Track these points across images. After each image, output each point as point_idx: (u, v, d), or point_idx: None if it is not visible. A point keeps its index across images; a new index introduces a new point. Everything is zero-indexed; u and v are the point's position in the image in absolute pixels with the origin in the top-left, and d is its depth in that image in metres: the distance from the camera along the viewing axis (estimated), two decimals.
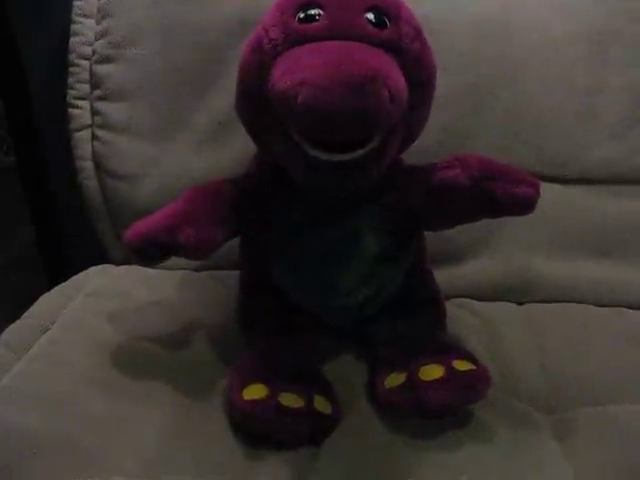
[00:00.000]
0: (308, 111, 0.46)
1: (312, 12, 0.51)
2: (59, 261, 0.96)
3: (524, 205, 0.56)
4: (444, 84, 0.73)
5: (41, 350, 0.61)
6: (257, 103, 0.54)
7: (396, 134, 0.54)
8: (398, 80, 0.49)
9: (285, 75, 0.48)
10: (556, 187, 0.77)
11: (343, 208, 0.58)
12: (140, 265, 0.74)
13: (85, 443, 0.52)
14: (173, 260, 0.79)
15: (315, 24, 0.51)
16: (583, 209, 0.77)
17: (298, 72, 0.47)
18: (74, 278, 0.75)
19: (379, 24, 0.51)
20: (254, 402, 0.53)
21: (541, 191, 0.56)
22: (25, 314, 0.66)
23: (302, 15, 0.51)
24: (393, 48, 0.51)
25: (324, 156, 0.50)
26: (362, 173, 0.54)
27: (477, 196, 0.56)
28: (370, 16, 0.51)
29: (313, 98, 0.46)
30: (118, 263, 0.80)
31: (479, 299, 0.75)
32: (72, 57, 0.78)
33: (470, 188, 0.56)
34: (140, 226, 0.56)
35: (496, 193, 0.56)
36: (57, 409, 0.55)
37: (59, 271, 0.87)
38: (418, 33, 0.54)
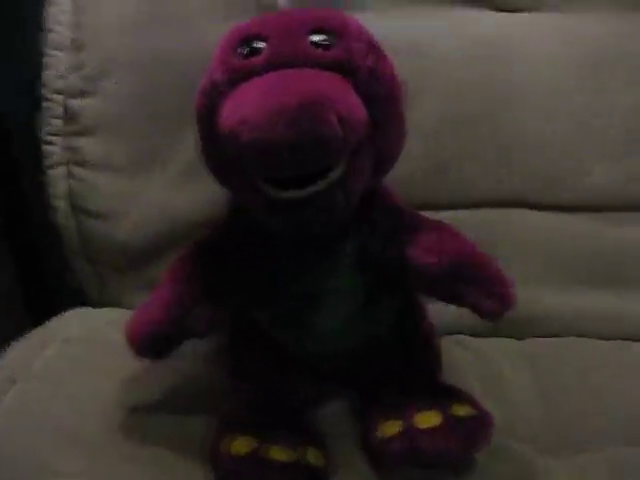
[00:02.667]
0: (251, 150, 0.44)
1: (255, 45, 0.49)
2: (42, 299, 0.94)
3: (487, 317, 0.54)
4: (433, 110, 0.72)
5: (9, 404, 0.57)
6: (211, 148, 0.52)
7: (361, 158, 0.50)
8: (348, 100, 0.46)
9: (228, 116, 0.46)
10: (555, 215, 0.74)
11: (321, 249, 0.55)
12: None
13: None
14: None
15: (255, 57, 0.48)
16: (583, 238, 0.74)
17: (238, 111, 0.45)
18: (49, 323, 0.72)
19: (325, 45, 0.49)
20: (242, 458, 0.50)
21: (516, 299, 0.53)
22: None
23: (245, 50, 0.49)
24: (342, 67, 0.48)
25: (281, 194, 0.48)
26: (328, 206, 0.50)
27: (445, 291, 0.54)
28: (315, 38, 0.49)
29: (254, 136, 0.43)
30: (95, 304, 0.77)
31: (476, 335, 0.72)
32: (45, 91, 0.75)
33: (440, 281, 0.54)
34: (139, 324, 0.54)
35: (463, 298, 0.53)
36: (27, 470, 0.51)
37: (42, 310, 0.84)
38: (370, 47, 0.51)
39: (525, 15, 0.74)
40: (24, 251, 0.90)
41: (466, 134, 0.73)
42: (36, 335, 0.69)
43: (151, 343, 0.54)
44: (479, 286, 0.53)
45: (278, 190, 0.47)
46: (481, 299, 0.53)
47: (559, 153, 0.73)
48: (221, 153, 0.49)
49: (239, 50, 0.49)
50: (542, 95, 0.73)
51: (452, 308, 0.65)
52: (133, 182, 0.75)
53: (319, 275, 0.55)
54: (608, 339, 0.72)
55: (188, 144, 0.73)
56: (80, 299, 0.79)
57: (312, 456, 0.52)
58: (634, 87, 0.73)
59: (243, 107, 0.45)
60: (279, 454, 0.50)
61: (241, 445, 0.51)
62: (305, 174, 0.47)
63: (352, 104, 0.46)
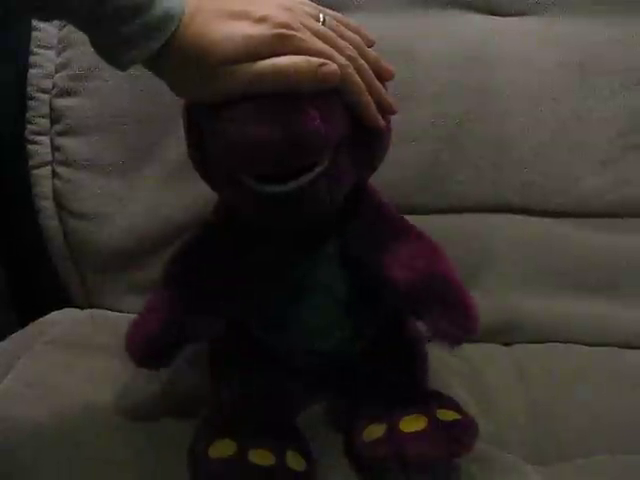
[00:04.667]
0: (236, 147, 0.45)
1: None
2: (29, 300, 0.93)
3: (445, 341, 0.52)
4: (423, 115, 0.72)
5: None
6: (199, 144, 0.51)
7: (344, 153, 0.50)
8: (330, 97, 0.46)
9: (215, 113, 0.46)
10: (543, 221, 0.74)
11: (309, 247, 0.55)
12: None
13: None
14: (139, 303, 0.75)
15: None
16: (572, 244, 0.74)
17: (225, 108, 0.45)
18: (33, 324, 0.71)
19: None
20: (221, 461, 0.49)
21: (477, 329, 0.52)
22: None
23: None
24: None
25: (266, 188, 0.48)
26: (312, 200, 0.50)
27: (408, 307, 0.54)
28: None
29: (238, 133, 0.44)
30: (81, 305, 0.76)
31: None
32: (30, 90, 0.74)
33: (405, 297, 0.53)
34: (137, 336, 0.53)
35: (424, 319, 0.52)
36: (5, 476, 0.50)
37: (29, 311, 0.83)
38: None
39: (515, 19, 0.74)
40: (11, 251, 0.90)
41: (454, 139, 0.73)
42: (19, 337, 0.68)
43: (151, 354, 0.53)
44: (441, 310, 0.52)
45: (263, 185, 0.48)
46: (440, 323, 0.51)
47: (547, 159, 0.73)
48: (209, 150, 0.49)
49: None
50: (530, 100, 0.73)
51: None
52: (119, 183, 0.74)
53: (302, 271, 0.55)
54: (597, 346, 0.72)
55: (176, 144, 0.73)
56: (66, 300, 0.78)
57: (292, 460, 0.51)
58: (620, 92, 0.73)
59: (230, 104, 0.45)
60: (259, 458, 0.49)
61: (220, 448, 0.50)
62: (290, 171, 0.47)
63: (334, 101, 0.47)
